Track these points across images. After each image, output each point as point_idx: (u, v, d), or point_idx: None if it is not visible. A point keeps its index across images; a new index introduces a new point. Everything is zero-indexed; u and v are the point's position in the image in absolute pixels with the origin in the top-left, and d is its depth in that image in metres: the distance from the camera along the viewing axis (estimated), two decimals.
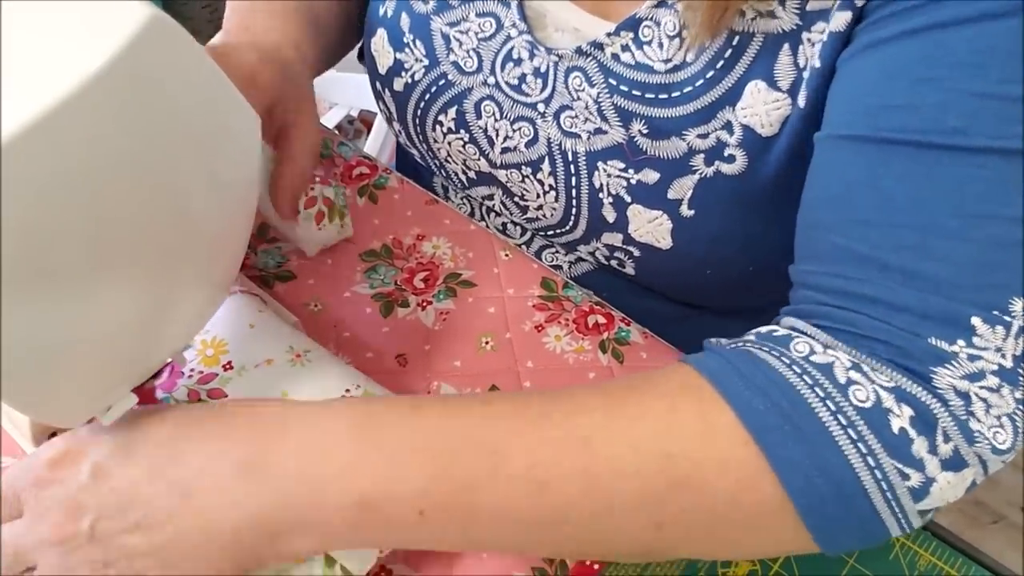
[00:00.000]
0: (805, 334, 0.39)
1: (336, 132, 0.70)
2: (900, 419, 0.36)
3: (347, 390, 0.48)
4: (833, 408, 0.36)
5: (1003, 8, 0.36)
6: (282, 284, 0.59)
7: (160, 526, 0.38)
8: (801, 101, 0.45)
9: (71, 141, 0.30)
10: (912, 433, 0.35)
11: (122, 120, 0.32)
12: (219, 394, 0.47)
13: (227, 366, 0.48)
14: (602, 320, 0.58)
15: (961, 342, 0.36)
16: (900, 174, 0.38)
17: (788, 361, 0.38)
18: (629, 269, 0.58)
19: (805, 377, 0.37)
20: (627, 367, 0.56)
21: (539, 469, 0.37)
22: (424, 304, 0.58)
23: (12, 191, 0.29)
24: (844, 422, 0.36)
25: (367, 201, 0.64)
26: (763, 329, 0.42)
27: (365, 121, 1.31)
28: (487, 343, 0.56)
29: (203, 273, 0.42)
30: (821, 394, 0.36)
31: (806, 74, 0.45)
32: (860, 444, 0.35)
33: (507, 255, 0.61)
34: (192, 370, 0.48)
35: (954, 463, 0.36)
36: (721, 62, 0.47)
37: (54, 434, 0.46)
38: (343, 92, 1.31)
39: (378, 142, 1.18)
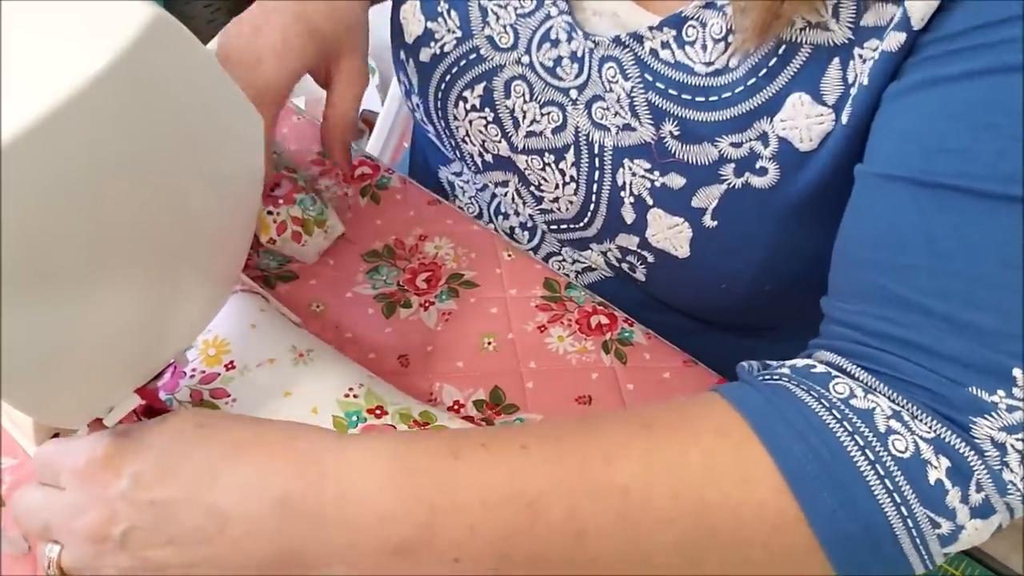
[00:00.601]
0: (845, 374, 0.39)
1: None
2: (937, 471, 0.36)
3: (350, 389, 0.48)
4: (872, 458, 0.36)
5: None
6: (284, 284, 0.59)
7: (192, 547, 0.38)
8: (844, 118, 0.44)
9: (73, 142, 0.30)
10: (948, 484, 0.36)
11: (124, 121, 0.32)
12: (222, 394, 0.47)
13: (229, 366, 0.48)
14: (605, 320, 0.58)
15: (1001, 392, 0.36)
16: (953, 222, 0.37)
17: (828, 404, 0.38)
18: (640, 275, 0.57)
19: (845, 424, 0.37)
20: (630, 368, 0.56)
21: (577, 519, 0.37)
22: (426, 304, 0.58)
23: (13, 192, 0.29)
24: (882, 472, 0.36)
25: (369, 201, 0.64)
26: (798, 363, 0.41)
27: (367, 121, 1.31)
28: (489, 344, 0.56)
29: (205, 273, 0.42)
30: (861, 442, 0.36)
31: (853, 91, 0.43)
32: (896, 495, 0.36)
33: (509, 255, 0.61)
34: (194, 370, 0.48)
35: (983, 511, 0.36)
36: (764, 70, 0.46)
37: (56, 435, 0.46)
38: None
39: (380, 142, 1.18)
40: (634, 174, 0.52)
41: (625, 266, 0.58)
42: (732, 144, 0.48)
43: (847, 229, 0.43)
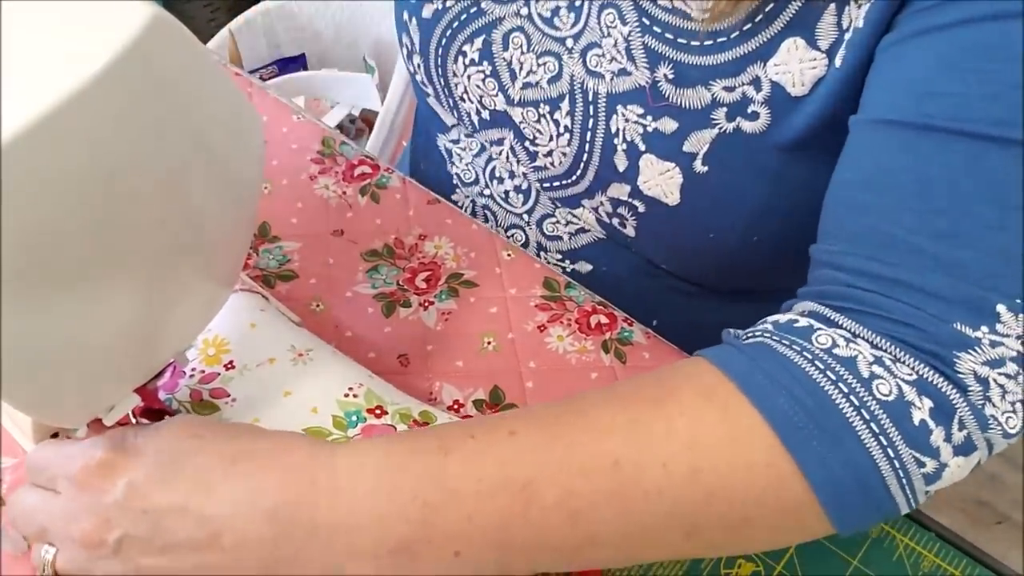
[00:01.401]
0: (827, 323, 0.40)
1: (338, 131, 0.70)
2: (920, 411, 0.37)
3: (350, 388, 0.48)
4: (857, 403, 0.37)
5: None
6: (284, 284, 0.59)
7: (185, 556, 0.38)
8: (838, 62, 0.45)
9: (73, 141, 0.30)
10: (931, 424, 0.37)
11: (124, 120, 0.32)
12: (221, 394, 0.46)
13: (229, 365, 0.48)
14: (604, 320, 0.58)
15: (985, 328, 0.37)
16: (944, 162, 0.38)
17: (810, 356, 0.38)
18: (630, 229, 0.57)
19: (828, 373, 0.37)
20: (630, 367, 0.56)
21: (572, 499, 0.38)
22: (426, 304, 0.58)
23: (14, 191, 0.29)
24: (867, 416, 0.37)
25: (369, 200, 0.64)
26: (781, 319, 0.41)
27: (367, 120, 1.31)
28: (489, 343, 0.56)
29: (205, 272, 0.42)
30: (845, 389, 0.37)
31: (848, 35, 0.44)
32: (882, 437, 0.36)
33: (509, 255, 0.61)
34: (194, 369, 0.48)
35: (965, 448, 0.37)
36: (760, 16, 0.46)
37: (56, 434, 0.46)
38: (344, 92, 1.31)
39: (379, 141, 1.18)
40: (627, 120, 0.52)
41: (616, 220, 0.58)
42: (725, 88, 0.49)
43: (839, 175, 0.43)
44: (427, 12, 0.60)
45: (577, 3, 0.53)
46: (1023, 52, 0.37)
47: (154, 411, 0.45)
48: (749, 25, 0.47)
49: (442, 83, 0.62)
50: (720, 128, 0.49)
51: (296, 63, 1.35)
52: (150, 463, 0.40)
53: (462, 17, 0.58)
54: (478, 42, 0.58)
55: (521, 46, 0.56)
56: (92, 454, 0.40)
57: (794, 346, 0.39)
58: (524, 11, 0.55)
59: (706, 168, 0.51)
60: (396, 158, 1.16)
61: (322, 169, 0.65)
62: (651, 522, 0.38)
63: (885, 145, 0.40)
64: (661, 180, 0.53)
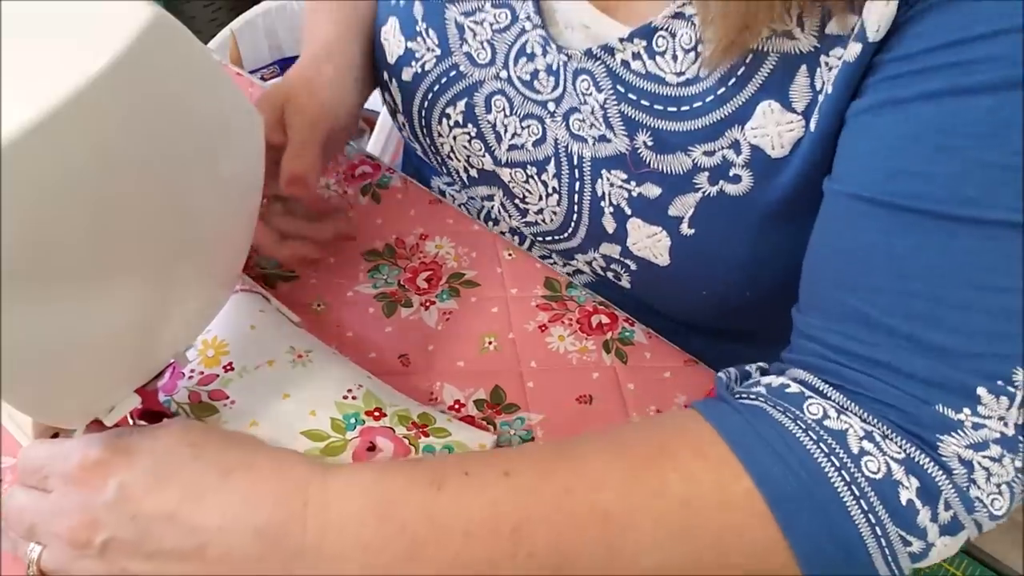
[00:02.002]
0: (818, 394, 0.40)
1: None
2: (908, 491, 0.37)
3: (348, 390, 0.48)
4: (848, 479, 0.37)
5: None
6: (285, 284, 0.59)
7: (170, 564, 0.38)
8: (812, 125, 0.44)
9: (73, 141, 0.30)
10: (918, 504, 0.37)
11: (124, 120, 0.32)
12: (220, 395, 0.46)
13: (228, 367, 0.48)
14: (606, 320, 0.58)
15: (967, 411, 0.37)
16: (915, 243, 0.38)
17: (804, 425, 0.38)
18: (625, 283, 0.57)
19: (822, 445, 0.38)
20: (630, 367, 0.56)
21: (561, 547, 0.38)
22: (427, 304, 0.58)
23: (14, 191, 0.29)
24: (857, 493, 0.37)
25: (370, 200, 0.64)
26: (773, 382, 0.42)
27: (368, 120, 1.31)
28: (490, 343, 0.56)
29: (206, 273, 0.42)
30: (837, 464, 0.37)
31: (820, 98, 0.44)
32: (871, 514, 0.36)
33: (510, 255, 0.61)
34: (193, 371, 0.48)
35: (952, 528, 0.37)
36: (733, 79, 0.46)
37: (56, 434, 0.46)
38: None
39: (381, 141, 1.18)
40: (612, 184, 0.52)
41: (610, 274, 0.58)
42: (705, 153, 0.48)
43: (814, 245, 0.44)
44: (407, 75, 0.60)
45: (554, 67, 0.53)
46: (985, 129, 0.36)
47: (152, 413, 0.45)
48: (723, 89, 0.47)
49: (428, 141, 0.62)
50: (704, 192, 0.49)
51: None
52: (144, 466, 0.40)
53: (442, 80, 0.58)
54: (460, 104, 0.58)
55: (504, 109, 0.56)
56: (87, 452, 0.40)
57: (787, 413, 0.39)
58: (503, 74, 0.55)
59: (693, 231, 0.51)
60: (397, 158, 1.16)
61: (323, 169, 0.65)
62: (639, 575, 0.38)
63: (857, 221, 0.40)
64: (650, 243, 0.53)
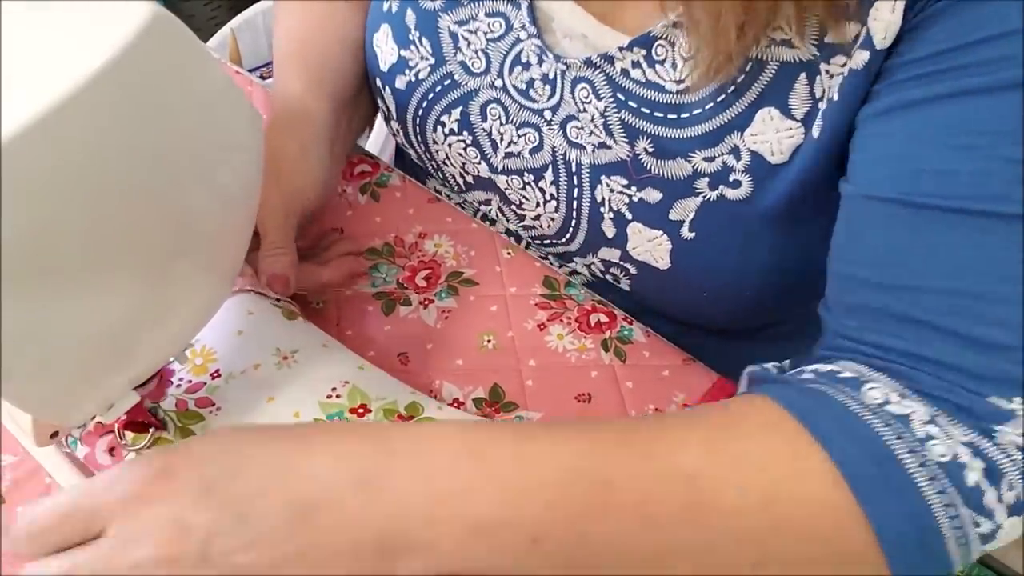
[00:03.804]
0: (873, 381, 0.40)
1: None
2: (975, 473, 0.37)
3: (333, 389, 0.47)
4: (919, 460, 0.37)
5: None
6: None
7: (277, 544, 0.35)
8: (816, 131, 0.45)
9: (72, 140, 0.30)
10: (984, 485, 0.37)
11: (124, 118, 0.32)
12: (206, 403, 0.46)
13: (215, 374, 0.48)
14: (604, 319, 0.58)
15: (1018, 400, 0.38)
16: (947, 242, 0.38)
17: (868, 408, 0.38)
18: (624, 285, 0.58)
19: (890, 427, 0.38)
20: (629, 366, 0.56)
21: (648, 504, 0.37)
22: (426, 302, 0.58)
23: (13, 190, 0.29)
24: (929, 475, 0.37)
25: (369, 199, 0.64)
26: (821, 368, 0.41)
27: None
28: (489, 342, 0.56)
29: (205, 271, 0.42)
30: (906, 446, 0.37)
31: (822, 105, 0.44)
32: (943, 495, 0.36)
33: (509, 253, 0.61)
34: (181, 379, 0.48)
35: (1017, 508, 0.37)
36: (732, 87, 0.47)
37: (56, 434, 0.46)
38: None
39: (380, 140, 1.18)
40: (612, 190, 0.53)
41: (609, 278, 0.58)
42: (705, 159, 0.49)
43: (842, 249, 0.44)
44: (400, 83, 0.60)
45: (550, 76, 0.53)
46: (1004, 126, 0.37)
47: (138, 423, 0.45)
48: (723, 96, 0.47)
49: (423, 148, 0.62)
50: (704, 196, 0.50)
51: None
52: (214, 462, 0.37)
53: (436, 89, 0.58)
54: (455, 113, 0.58)
55: (500, 117, 0.56)
56: (143, 469, 0.36)
57: (850, 396, 0.39)
58: (499, 83, 0.55)
59: (693, 234, 0.51)
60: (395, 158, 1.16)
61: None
62: (721, 544, 0.37)
63: (886, 223, 0.41)
64: (650, 247, 0.53)
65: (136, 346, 0.40)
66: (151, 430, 0.44)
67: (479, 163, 0.59)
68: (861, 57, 0.42)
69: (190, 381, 0.48)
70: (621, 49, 0.49)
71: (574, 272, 0.63)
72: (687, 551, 0.37)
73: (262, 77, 1.31)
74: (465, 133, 0.58)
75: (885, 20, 0.40)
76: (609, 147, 0.52)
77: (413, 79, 0.59)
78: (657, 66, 0.49)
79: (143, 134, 0.33)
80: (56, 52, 0.30)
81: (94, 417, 0.44)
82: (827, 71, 0.44)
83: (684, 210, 0.51)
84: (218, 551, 0.35)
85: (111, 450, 0.44)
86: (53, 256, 0.32)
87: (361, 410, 0.46)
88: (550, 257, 0.63)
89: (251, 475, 0.36)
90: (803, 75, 0.45)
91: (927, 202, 0.39)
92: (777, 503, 0.37)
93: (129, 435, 0.44)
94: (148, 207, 0.35)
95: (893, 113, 0.41)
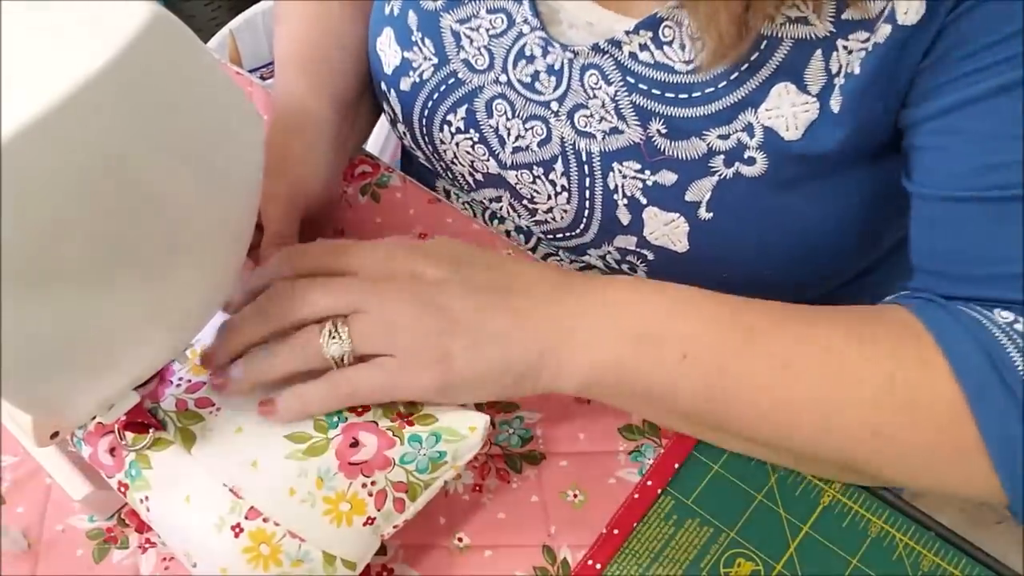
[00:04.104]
0: (1001, 305, 0.43)
1: None
2: None
3: None
4: None
5: None
6: None
7: (494, 283, 0.46)
8: (835, 106, 0.46)
9: (72, 140, 0.30)
10: None
11: (124, 119, 0.32)
12: (206, 403, 0.46)
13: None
14: None
15: None
16: None
17: (997, 324, 0.42)
18: (641, 273, 0.58)
19: (1016, 342, 0.41)
20: None
21: (785, 356, 0.43)
22: None
23: (13, 190, 0.29)
24: None
25: (369, 199, 0.64)
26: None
27: None
28: None
29: (205, 271, 0.42)
30: None
31: (839, 80, 0.45)
32: None
33: (510, 254, 0.61)
34: (181, 379, 0.48)
35: None
36: (746, 64, 0.47)
37: (56, 434, 0.46)
38: None
39: (380, 141, 1.18)
40: (625, 176, 0.53)
41: (625, 266, 0.58)
42: (719, 137, 0.49)
43: (921, 249, 0.47)
44: (405, 85, 0.60)
45: (556, 67, 0.53)
46: None
47: (138, 424, 0.45)
48: (736, 74, 0.47)
49: (430, 149, 0.62)
50: (720, 175, 0.50)
51: None
52: (450, 251, 0.47)
53: (441, 88, 0.58)
54: (461, 111, 0.58)
55: (506, 112, 0.56)
56: (381, 249, 0.48)
57: (981, 313, 0.43)
58: (503, 78, 0.55)
59: (711, 214, 0.51)
60: (396, 157, 1.16)
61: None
62: (848, 401, 0.42)
63: (963, 220, 0.44)
64: (667, 230, 0.53)
65: (136, 346, 0.40)
66: (151, 431, 0.44)
67: (488, 160, 0.59)
68: (884, 31, 0.43)
69: (190, 381, 0.48)
70: (628, 33, 0.49)
71: (588, 266, 0.63)
72: (815, 405, 0.43)
73: (262, 78, 1.31)
74: (472, 131, 0.58)
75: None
76: (621, 132, 0.52)
77: (417, 80, 0.59)
78: (665, 47, 0.49)
79: (143, 134, 0.33)
80: (56, 52, 0.30)
81: (94, 417, 0.44)
82: (844, 47, 0.45)
83: (700, 190, 0.51)
84: (463, 276, 0.45)
85: (111, 450, 0.44)
86: (53, 256, 0.32)
87: (360, 408, 0.46)
88: (561, 252, 0.63)
89: (483, 258, 0.47)
90: (819, 51, 0.45)
91: (1002, 195, 0.41)
92: (899, 384, 0.42)
93: (129, 436, 0.44)
94: (148, 207, 0.35)
95: (954, 111, 0.43)
